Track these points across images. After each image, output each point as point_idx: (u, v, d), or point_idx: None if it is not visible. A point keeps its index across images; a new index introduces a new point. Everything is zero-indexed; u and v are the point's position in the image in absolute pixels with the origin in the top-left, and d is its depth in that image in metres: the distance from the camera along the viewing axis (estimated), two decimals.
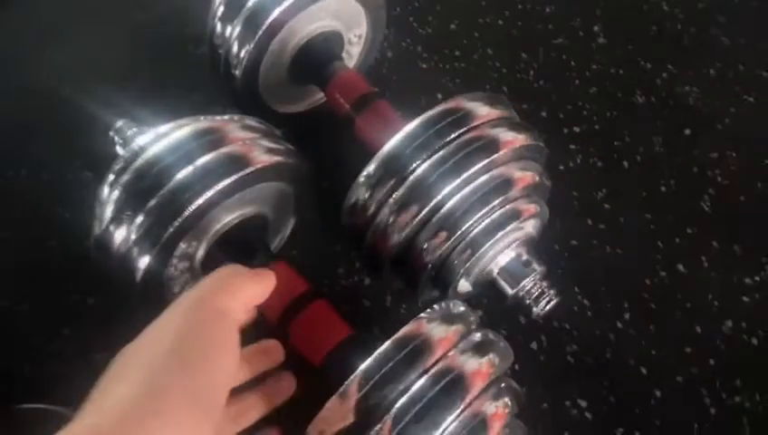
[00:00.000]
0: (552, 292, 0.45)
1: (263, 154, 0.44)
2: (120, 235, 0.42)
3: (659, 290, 0.57)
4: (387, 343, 0.35)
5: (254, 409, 0.37)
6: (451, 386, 0.35)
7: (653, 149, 0.65)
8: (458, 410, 0.34)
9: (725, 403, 0.51)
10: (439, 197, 0.42)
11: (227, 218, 0.45)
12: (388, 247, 0.45)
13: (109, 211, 0.42)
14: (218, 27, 0.54)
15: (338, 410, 0.34)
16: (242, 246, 0.46)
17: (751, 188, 0.64)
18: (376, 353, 0.35)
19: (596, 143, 0.65)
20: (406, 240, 0.44)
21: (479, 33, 0.73)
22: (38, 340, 0.53)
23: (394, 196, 0.44)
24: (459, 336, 0.37)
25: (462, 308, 0.40)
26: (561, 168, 0.64)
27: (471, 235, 0.43)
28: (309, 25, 0.55)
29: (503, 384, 0.38)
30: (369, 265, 0.48)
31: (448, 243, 0.43)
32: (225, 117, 0.46)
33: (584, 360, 0.53)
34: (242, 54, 0.53)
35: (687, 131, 0.67)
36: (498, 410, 0.36)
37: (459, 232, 0.43)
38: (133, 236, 0.41)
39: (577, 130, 0.66)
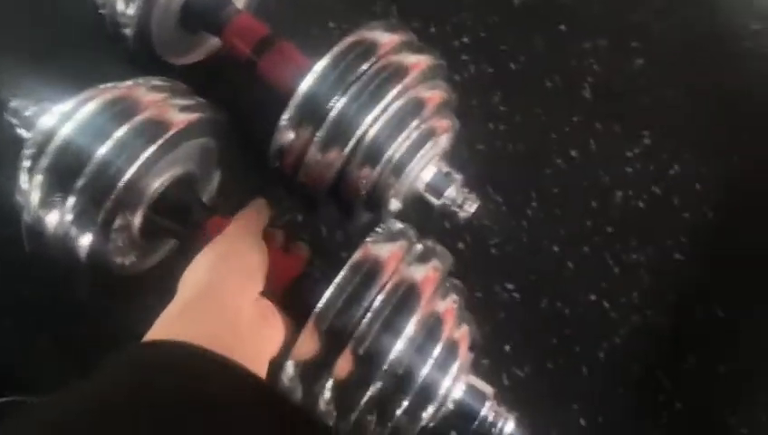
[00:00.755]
0: (472, 196, 0.50)
1: (179, 114, 0.45)
2: (53, 219, 0.42)
3: (558, 176, 0.64)
4: (343, 271, 0.39)
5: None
6: (406, 296, 0.39)
7: (535, 49, 0.71)
8: (416, 314, 0.39)
9: (625, 262, 0.60)
10: (360, 129, 0.45)
11: (158, 183, 0.46)
12: (319, 184, 0.48)
13: (35, 197, 0.42)
14: None
15: (310, 340, 0.38)
16: (177, 206, 0.47)
17: (622, 70, 0.71)
18: (335, 282, 0.38)
19: (484, 51, 0.70)
20: (335, 175, 0.47)
21: None
22: None
23: (317, 135, 0.46)
24: (404, 251, 0.41)
25: (400, 225, 0.44)
26: (457, 78, 0.68)
27: (395, 158, 0.47)
28: None
29: (447, 284, 0.43)
30: (303, 203, 0.51)
31: (376, 170, 0.47)
32: (130, 82, 0.46)
33: (505, 249, 0.59)
34: (129, 12, 0.51)
35: (563, 27, 0.72)
36: (449, 306, 0.41)
37: (384, 158, 0.46)
38: (69, 219, 0.41)
39: (465, 40, 0.70)
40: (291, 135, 0.47)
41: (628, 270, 0.60)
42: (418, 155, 0.48)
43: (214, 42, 0.60)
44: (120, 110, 0.43)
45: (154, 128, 0.43)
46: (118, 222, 0.44)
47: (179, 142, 0.45)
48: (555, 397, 0.54)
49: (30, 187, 0.42)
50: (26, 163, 0.42)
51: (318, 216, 0.57)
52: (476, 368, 0.42)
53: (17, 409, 0.47)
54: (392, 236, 0.42)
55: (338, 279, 0.39)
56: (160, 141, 0.42)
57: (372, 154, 0.46)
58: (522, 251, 0.60)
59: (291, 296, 0.45)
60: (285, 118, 0.46)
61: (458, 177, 0.50)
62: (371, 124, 0.45)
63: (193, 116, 0.45)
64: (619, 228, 0.62)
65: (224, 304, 0.38)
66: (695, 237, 0.62)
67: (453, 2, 0.73)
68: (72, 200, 0.41)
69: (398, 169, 0.47)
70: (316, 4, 0.70)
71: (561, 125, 0.67)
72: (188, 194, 0.49)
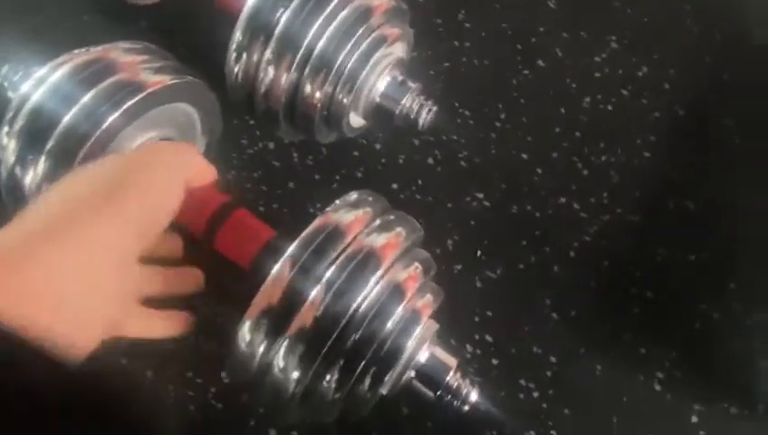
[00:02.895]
0: (429, 102, 0.50)
1: (153, 76, 0.44)
2: (28, 180, 0.42)
3: (525, 86, 0.64)
4: (303, 233, 0.38)
5: (160, 280, 0.39)
6: (366, 260, 0.38)
7: None
8: (375, 280, 0.37)
9: (594, 163, 0.61)
10: (308, 40, 0.46)
11: (132, 145, 0.45)
12: (277, 102, 0.49)
13: (10, 158, 0.43)
14: None
15: (269, 296, 0.37)
16: None
17: None
18: (294, 243, 0.37)
19: None
20: (290, 90, 0.48)
21: None
22: None
23: (267, 53, 0.47)
24: (368, 219, 0.40)
25: (357, 195, 0.42)
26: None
27: (347, 68, 0.48)
28: None
29: (414, 254, 0.41)
30: (266, 124, 0.52)
31: (328, 81, 0.48)
32: (107, 45, 0.45)
33: (474, 160, 0.60)
34: None
35: None
36: (410, 274, 0.40)
37: (335, 67, 0.47)
38: (40, 180, 0.42)
39: None
40: (242, 58, 0.48)
41: (597, 171, 0.60)
42: (370, 64, 0.48)
43: None
44: (91, 73, 0.42)
45: (124, 90, 0.42)
46: None
47: (152, 105, 0.44)
48: (527, 294, 0.55)
49: (6, 147, 0.43)
50: (5, 126, 0.43)
51: (285, 136, 0.57)
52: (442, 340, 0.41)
53: None
54: (355, 204, 0.41)
55: (297, 240, 0.38)
56: (129, 103, 0.42)
57: (322, 65, 0.47)
58: (491, 162, 0.60)
59: (260, 260, 0.42)
60: (234, 41, 0.48)
61: (414, 85, 0.51)
62: (318, 34, 0.46)
63: (166, 78, 0.44)
64: (587, 132, 0.62)
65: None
66: (663, 135, 0.63)
67: None
68: (42, 162, 0.42)
69: (351, 79, 0.48)
70: None
71: (528, 37, 0.67)
72: None
